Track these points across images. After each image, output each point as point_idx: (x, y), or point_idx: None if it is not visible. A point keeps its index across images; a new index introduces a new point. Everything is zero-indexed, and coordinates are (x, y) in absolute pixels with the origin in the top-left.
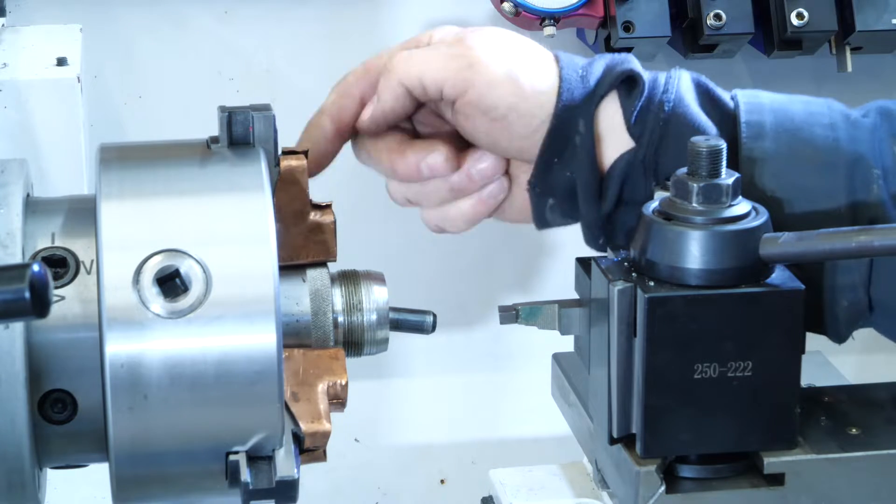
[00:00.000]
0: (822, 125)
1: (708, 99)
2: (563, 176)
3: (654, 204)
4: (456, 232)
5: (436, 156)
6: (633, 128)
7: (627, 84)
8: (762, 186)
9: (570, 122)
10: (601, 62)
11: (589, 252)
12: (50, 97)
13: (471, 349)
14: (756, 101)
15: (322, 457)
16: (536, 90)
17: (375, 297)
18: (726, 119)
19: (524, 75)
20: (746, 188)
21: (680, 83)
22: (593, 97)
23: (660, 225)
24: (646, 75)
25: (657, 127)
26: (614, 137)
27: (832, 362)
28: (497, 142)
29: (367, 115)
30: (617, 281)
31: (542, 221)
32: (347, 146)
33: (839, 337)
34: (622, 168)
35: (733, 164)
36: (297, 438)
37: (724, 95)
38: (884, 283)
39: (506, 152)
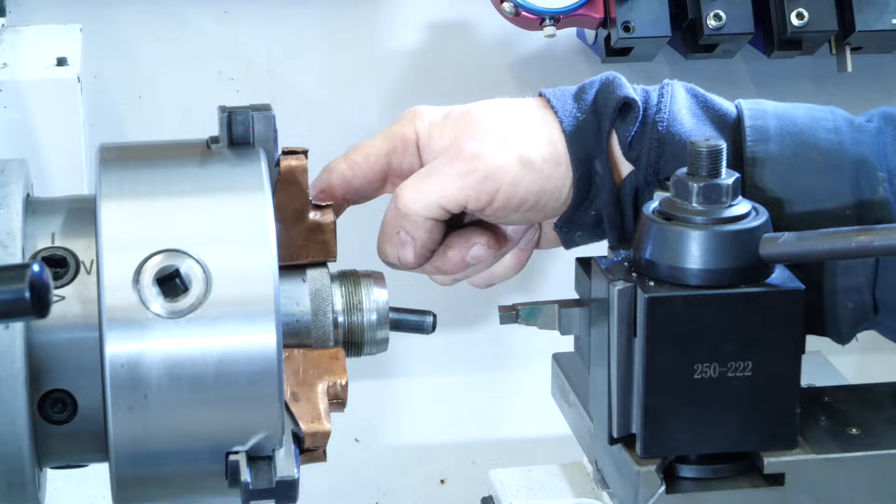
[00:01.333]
0: (826, 129)
1: (706, 108)
2: (588, 214)
3: (654, 204)
4: (503, 281)
5: (477, 248)
6: (630, 152)
7: (622, 109)
8: (767, 188)
9: (590, 171)
10: (591, 92)
11: (589, 252)
12: (50, 97)
13: (471, 349)
14: (759, 108)
15: (322, 457)
16: (554, 163)
17: (375, 297)
18: (727, 126)
19: (538, 157)
20: (752, 191)
21: (674, 99)
22: (601, 139)
23: (660, 225)
24: (638, 95)
25: (653, 148)
26: (624, 164)
27: (832, 362)
28: (532, 219)
29: (410, 257)
30: (617, 281)
31: (570, 246)
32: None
33: (842, 338)
34: (629, 191)
35: (737, 169)
36: (297, 438)
37: (724, 104)
38: (889, 285)
39: (544, 215)
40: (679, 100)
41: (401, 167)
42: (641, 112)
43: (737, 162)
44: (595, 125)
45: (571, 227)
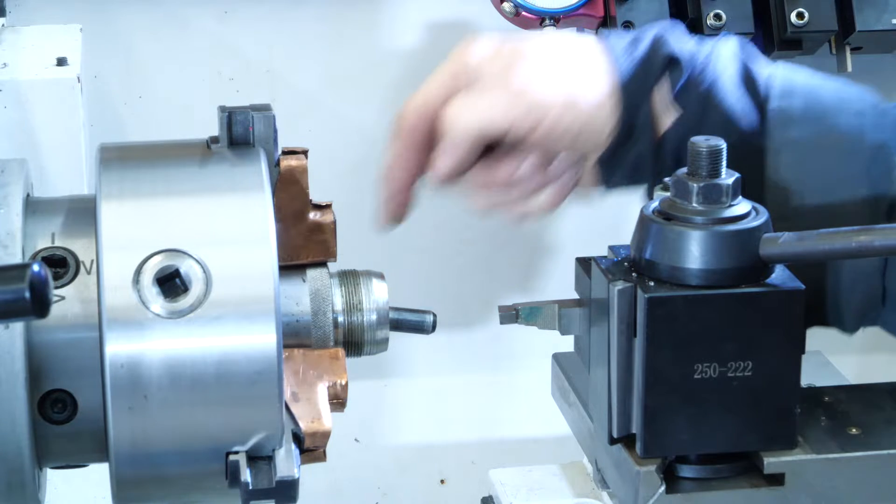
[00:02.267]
0: (850, 112)
1: (746, 76)
2: (629, 154)
3: (654, 204)
4: (537, 219)
5: (528, 165)
6: (674, 105)
7: (670, 65)
8: (785, 173)
9: (632, 118)
10: (644, 42)
11: (589, 252)
12: (50, 97)
13: (471, 349)
14: (789, 84)
15: (322, 457)
16: (597, 105)
17: (375, 297)
18: (757, 99)
19: (584, 96)
20: (770, 174)
21: (719, 60)
22: (646, 92)
23: (660, 225)
24: (688, 46)
25: (696, 105)
26: (668, 113)
27: (832, 362)
28: (573, 150)
29: (441, 171)
30: (617, 281)
31: (608, 188)
32: (348, 137)
33: (849, 329)
34: (672, 142)
35: (758, 146)
36: (297, 438)
37: (762, 72)
38: None
39: (581, 151)
40: (724, 60)
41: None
42: (688, 68)
43: (759, 139)
44: (642, 78)
45: (612, 166)
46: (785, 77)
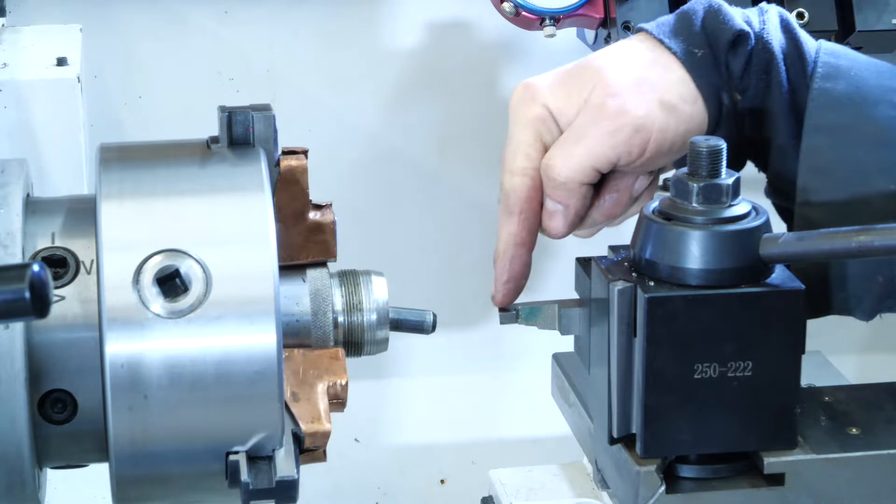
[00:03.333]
0: (891, 103)
1: (794, 47)
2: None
3: (654, 204)
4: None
5: (641, 181)
6: (740, 83)
7: (735, 41)
8: (821, 157)
9: (718, 102)
10: (696, 23)
11: (589, 252)
12: (50, 97)
13: (471, 349)
14: (834, 65)
15: (322, 457)
16: (692, 100)
17: (375, 297)
18: (803, 76)
19: (677, 98)
20: (805, 156)
21: (771, 34)
22: (720, 71)
23: (660, 225)
24: (740, 18)
25: (760, 78)
26: (734, 93)
27: (832, 362)
28: (674, 160)
29: (562, 226)
30: (617, 281)
31: None
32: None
33: (867, 314)
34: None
35: (796, 127)
36: (297, 438)
37: (809, 46)
38: None
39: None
40: (773, 32)
41: (554, 141)
42: (750, 45)
43: (797, 122)
44: (712, 58)
45: None
46: (830, 55)
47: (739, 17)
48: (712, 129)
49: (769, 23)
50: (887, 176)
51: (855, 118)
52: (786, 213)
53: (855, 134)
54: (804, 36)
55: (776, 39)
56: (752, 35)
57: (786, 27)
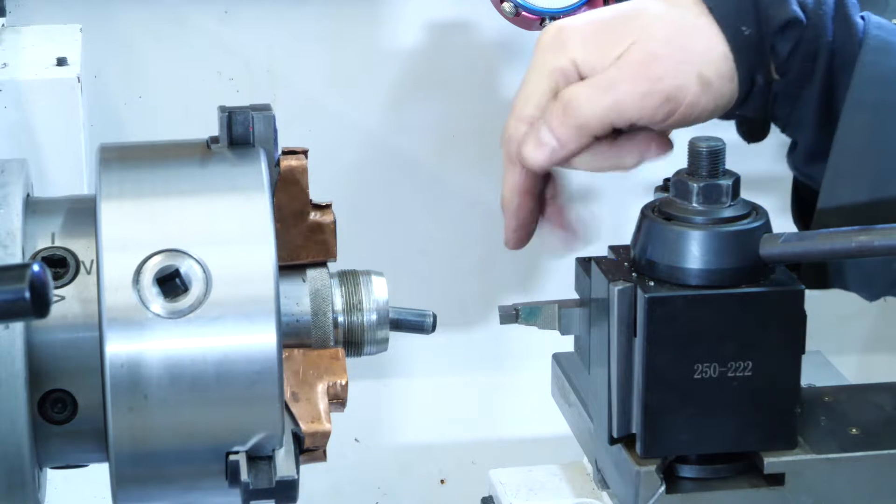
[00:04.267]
0: None
1: (842, 14)
2: (732, 115)
3: (654, 204)
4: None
5: (653, 151)
6: (783, 66)
7: (786, 27)
8: (859, 136)
9: (752, 82)
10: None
11: (589, 252)
12: (50, 97)
13: (471, 349)
14: (885, 39)
15: (322, 457)
16: (728, 78)
17: (375, 297)
18: (853, 42)
19: (715, 74)
20: (844, 133)
21: (827, 14)
22: (763, 54)
23: (660, 225)
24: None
25: (806, 63)
26: (773, 73)
27: (832, 362)
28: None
29: (545, 161)
30: (617, 281)
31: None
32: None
33: (872, 297)
34: (772, 98)
35: (838, 96)
36: (297, 438)
37: (858, 20)
38: None
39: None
40: (827, 15)
41: None
42: (802, 33)
43: (839, 88)
44: (758, 39)
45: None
46: (880, 28)
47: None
48: (739, 105)
49: (826, 3)
50: None
51: None
52: (804, 188)
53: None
54: (854, 8)
55: (828, 23)
56: (805, 22)
57: (839, 2)
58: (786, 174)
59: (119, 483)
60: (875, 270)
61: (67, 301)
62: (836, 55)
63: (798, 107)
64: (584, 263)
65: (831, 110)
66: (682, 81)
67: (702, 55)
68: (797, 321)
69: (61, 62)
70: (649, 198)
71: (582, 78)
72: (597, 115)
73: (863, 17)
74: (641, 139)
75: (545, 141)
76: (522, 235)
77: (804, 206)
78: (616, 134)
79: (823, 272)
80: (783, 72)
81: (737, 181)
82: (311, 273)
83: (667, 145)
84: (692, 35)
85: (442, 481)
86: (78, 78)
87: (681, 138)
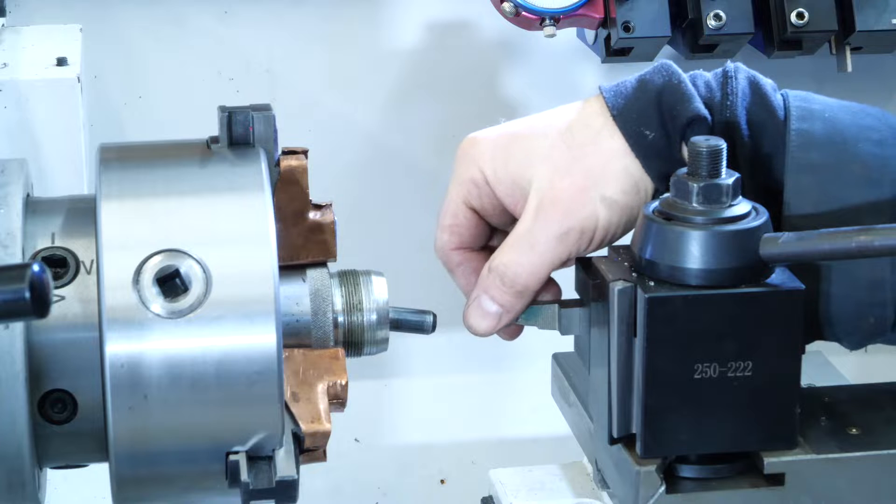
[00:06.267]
0: (872, 141)
1: (761, 103)
2: None
3: (654, 204)
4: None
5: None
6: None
7: (691, 124)
8: (809, 198)
9: (666, 183)
10: (652, 100)
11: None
12: (50, 97)
13: (471, 349)
14: (807, 108)
15: (322, 457)
16: (634, 192)
17: (375, 297)
18: (774, 124)
19: (619, 192)
20: (790, 198)
21: (739, 99)
22: (672, 154)
23: (660, 225)
24: (702, 93)
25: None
26: None
27: (832, 362)
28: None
29: (492, 328)
30: (617, 281)
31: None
32: (348, 137)
33: (855, 346)
34: None
35: (780, 172)
36: (297, 438)
37: (776, 98)
38: None
39: None
40: (741, 98)
41: (483, 208)
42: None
43: (778, 165)
44: (664, 139)
45: None
46: (800, 99)
47: (702, 88)
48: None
49: (734, 93)
50: (880, 213)
51: (838, 157)
52: None
53: (841, 173)
54: (770, 88)
55: (742, 109)
56: (712, 118)
57: (754, 87)
58: None
59: (119, 483)
60: (853, 329)
61: (67, 301)
62: (756, 136)
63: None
64: (584, 263)
65: (766, 190)
66: (589, 210)
67: (601, 176)
68: (797, 321)
69: (61, 62)
70: None
71: (492, 190)
72: (533, 277)
73: (782, 95)
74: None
75: (490, 310)
76: (510, 333)
77: None
78: None
79: (807, 330)
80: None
81: (737, 181)
82: (311, 273)
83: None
84: (592, 155)
85: (442, 481)
86: (78, 78)
87: None
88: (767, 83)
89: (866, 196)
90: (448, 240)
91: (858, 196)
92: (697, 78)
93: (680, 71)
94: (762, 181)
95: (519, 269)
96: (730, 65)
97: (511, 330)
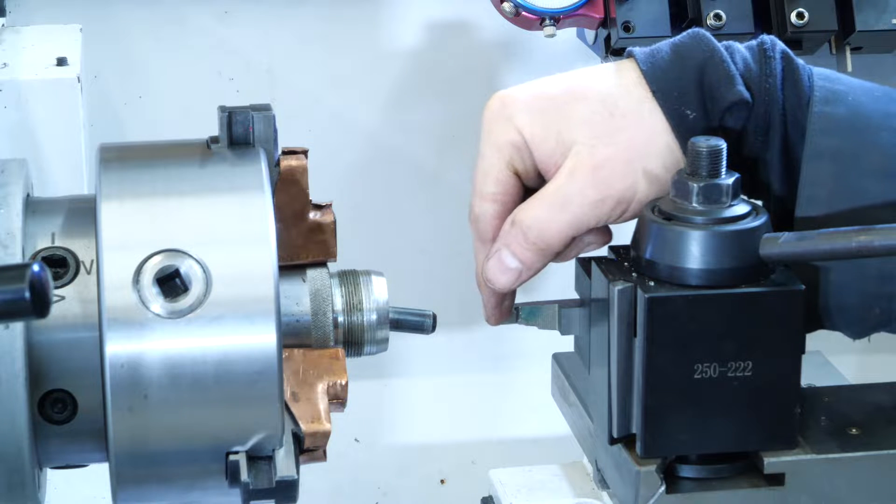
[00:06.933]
0: (893, 129)
1: (793, 82)
2: None
3: (654, 204)
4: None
5: (591, 248)
6: (735, 142)
7: (732, 107)
8: (823, 187)
9: None
10: (692, 79)
11: (587, 252)
12: (50, 97)
13: (471, 349)
14: (831, 88)
15: (322, 457)
16: (675, 168)
17: (375, 297)
18: (801, 107)
19: (661, 167)
20: (805, 187)
21: (775, 77)
22: (713, 135)
23: (660, 225)
24: (739, 68)
25: (759, 130)
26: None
27: (832, 362)
28: None
29: (511, 283)
30: (617, 281)
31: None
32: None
33: (857, 336)
34: None
35: (797, 154)
36: (297, 438)
37: (805, 78)
38: None
39: None
40: (779, 79)
41: (526, 171)
42: (751, 112)
43: (798, 148)
44: (705, 122)
45: None
46: (825, 79)
47: (740, 65)
48: None
49: (773, 74)
50: (891, 205)
51: (858, 144)
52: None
53: (859, 161)
54: (801, 68)
55: (777, 94)
56: (752, 101)
57: (787, 65)
58: None
59: (119, 483)
60: (859, 320)
61: (67, 301)
62: (789, 118)
63: (758, 173)
64: (584, 263)
65: (793, 170)
66: (630, 181)
67: (645, 149)
68: (797, 321)
69: (61, 62)
70: None
71: (531, 154)
72: (558, 236)
73: (809, 74)
74: (584, 235)
75: (510, 265)
76: (504, 310)
77: None
78: None
79: (811, 318)
80: (736, 149)
81: (737, 181)
82: (311, 273)
83: (606, 235)
84: (635, 126)
85: (442, 481)
86: (78, 78)
87: None
88: (799, 62)
89: (883, 188)
90: (491, 209)
91: (875, 188)
92: (735, 52)
93: (717, 43)
94: (794, 166)
95: (545, 227)
96: (766, 39)
97: (499, 314)
